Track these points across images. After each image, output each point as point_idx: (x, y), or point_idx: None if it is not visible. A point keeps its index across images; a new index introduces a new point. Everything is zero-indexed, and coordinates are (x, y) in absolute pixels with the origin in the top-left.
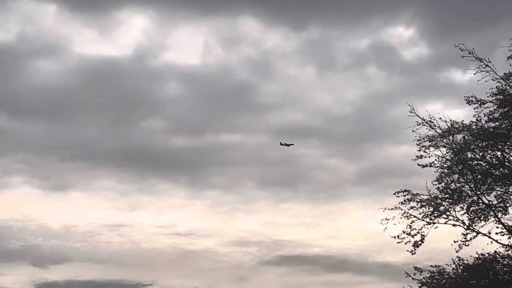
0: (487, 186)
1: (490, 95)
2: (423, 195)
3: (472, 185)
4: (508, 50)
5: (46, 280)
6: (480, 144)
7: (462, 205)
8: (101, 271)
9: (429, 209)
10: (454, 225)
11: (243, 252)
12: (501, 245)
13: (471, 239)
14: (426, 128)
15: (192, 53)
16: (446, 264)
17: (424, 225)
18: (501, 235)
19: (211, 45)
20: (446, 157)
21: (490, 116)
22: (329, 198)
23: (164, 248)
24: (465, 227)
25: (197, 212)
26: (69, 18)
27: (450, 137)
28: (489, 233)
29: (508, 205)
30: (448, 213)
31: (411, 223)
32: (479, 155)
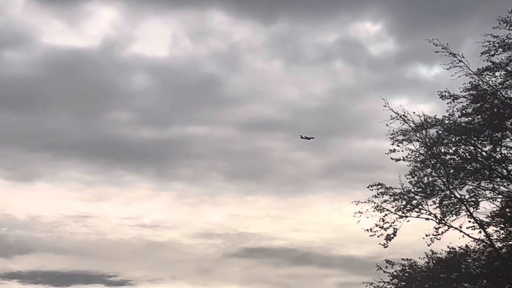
0: (459, 180)
1: (463, 90)
2: (396, 188)
3: (444, 180)
4: (482, 46)
5: (11, 270)
6: (453, 139)
7: (434, 199)
8: (65, 262)
9: (401, 202)
10: (426, 219)
11: (208, 244)
12: (472, 239)
13: (442, 232)
14: (400, 122)
15: (160, 46)
16: (419, 258)
17: (396, 218)
18: (472, 229)
19: (179, 38)
20: (419, 151)
21: (463, 111)
22: (295, 191)
23: (129, 239)
24: (437, 221)
25: (163, 204)
26: (37, 8)
27: (423, 132)
28: (461, 227)
29: (479, 199)
30: (420, 207)
31: (384, 217)
32: (452, 149)
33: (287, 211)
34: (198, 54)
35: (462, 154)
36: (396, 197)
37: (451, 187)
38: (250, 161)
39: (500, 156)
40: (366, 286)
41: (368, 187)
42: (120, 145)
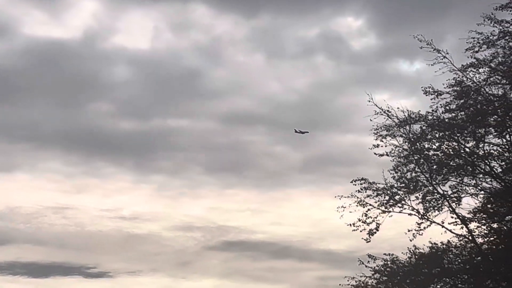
0: (442, 176)
1: (447, 86)
2: (379, 183)
3: (427, 175)
4: (466, 42)
5: None
6: (436, 135)
7: (417, 194)
8: (44, 253)
9: (384, 197)
10: (409, 214)
11: (188, 237)
12: (454, 235)
13: (425, 228)
14: (384, 118)
15: (141, 38)
16: (402, 253)
17: (379, 213)
18: (454, 225)
19: (161, 30)
20: (403, 147)
21: (447, 107)
22: (275, 185)
23: (109, 231)
24: (420, 216)
25: (142, 196)
26: None
27: (407, 127)
28: (443, 222)
29: (462, 195)
30: (403, 202)
31: (366, 211)
32: (435, 145)
33: (267, 205)
34: (180, 46)
35: (446, 150)
36: (379, 192)
37: (434, 182)
38: (231, 154)
39: (483, 152)
40: (348, 280)
41: (351, 181)
42: (100, 137)
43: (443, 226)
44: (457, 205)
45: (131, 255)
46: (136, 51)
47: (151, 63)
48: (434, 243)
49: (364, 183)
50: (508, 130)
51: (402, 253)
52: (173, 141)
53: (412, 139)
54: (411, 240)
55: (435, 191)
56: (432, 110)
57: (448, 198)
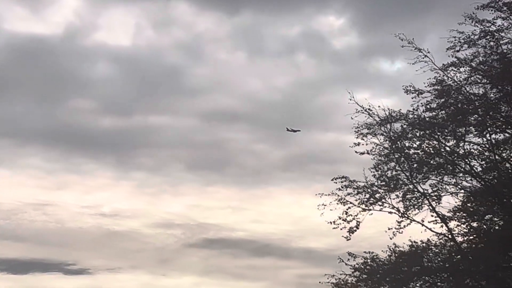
0: (422, 175)
1: (428, 85)
2: (359, 182)
3: (408, 174)
4: (447, 42)
5: None
6: (417, 133)
7: (397, 193)
8: (24, 250)
9: (365, 196)
10: (390, 212)
11: (168, 234)
12: (434, 233)
13: (405, 226)
14: (365, 116)
15: (123, 34)
16: (382, 251)
17: (359, 211)
18: (434, 223)
19: (142, 27)
20: (384, 145)
21: (428, 106)
22: (256, 183)
23: (89, 228)
24: (400, 214)
25: (123, 193)
26: None
27: (388, 126)
28: (423, 221)
29: (442, 194)
30: (383, 200)
31: (347, 209)
32: (416, 144)
33: (247, 203)
34: (161, 44)
35: (426, 148)
36: (359, 190)
37: (414, 181)
38: (212, 152)
39: (463, 151)
40: (328, 278)
41: (332, 179)
42: (81, 134)
43: (423, 225)
44: (437, 203)
45: (111, 252)
46: (118, 48)
47: (132, 60)
48: (414, 242)
49: (345, 181)
50: (489, 129)
51: (382, 251)
52: (154, 138)
53: (393, 138)
54: (391, 239)
55: (416, 190)
56: (413, 109)
57: (428, 197)
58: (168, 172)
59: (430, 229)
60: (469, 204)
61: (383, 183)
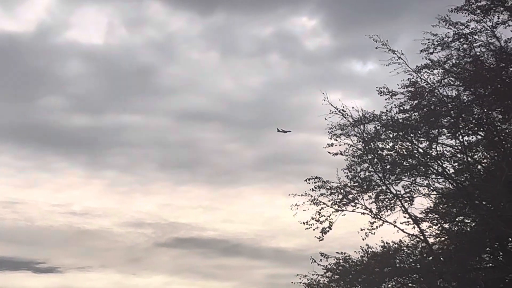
0: (395, 176)
1: (401, 86)
2: (333, 182)
3: (381, 175)
4: (421, 44)
5: None
6: (390, 135)
7: (370, 194)
8: None
9: (338, 196)
10: (362, 213)
11: (139, 233)
12: (406, 235)
13: (377, 227)
14: (338, 117)
15: (95, 33)
16: (354, 252)
17: (332, 212)
18: (406, 224)
19: (115, 26)
20: (357, 146)
21: (401, 108)
22: (228, 182)
23: (59, 226)
24: (373, 215)
25: (94, 192)
26: None
27: (361, 127)
28: (395, 222)
29: (414, 195)
30: (356, 201)
31: (320, 210)
32: (389, 145)
33: (219, 202)
34: (134, 42)
35: (399, 150)
36: (332, 191)
37: (387, 182)
38: (184, 151)
39: (436, 153)
40: (300, 279)
41: (305, 180)
42: (52, 132)
43: (395, 226)
44: (409, 205)
45: (81, 251)
46: (90, 46)
47: (104, 59)
48: (386, 243)
49: (318, 181)
50: (461, 131)
51: (354, 252)
52: (126, 137)
53: (366, 139)
54: (363, 239)
55: (388, 191)
56: (386, 110)
57: (400, 198)
58: (140, 171)
59: (402, 230)
60: (441, 206)
61: (356, 184)
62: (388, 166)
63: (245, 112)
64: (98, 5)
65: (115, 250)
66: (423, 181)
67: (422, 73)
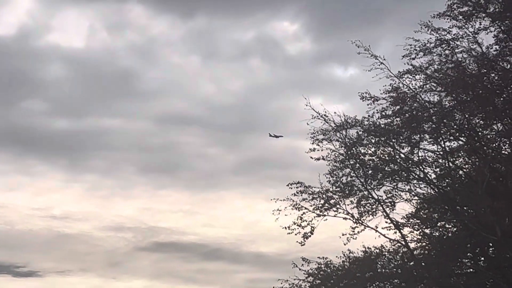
0: (377, 181)
1: (383, 92)
2: (315, 187)
3: (363, 180)
4: (403, 49)
5: None
6: (372, 140)
7: (352, 199)
8: None
9: (320, 201)
10: (344, 218)
11: (119, 237)
12: (387, 240)
13: (359, 232)
14: (321, 122)
15: (76, 36)
16: (336, 257)
17: (314, 217)
18: (388, 229)
19: (96, 29)
20: (339, 151)
21: (383, 113)
22: (208, 187)
23: (39, 230)
24: (354, 220)
25: (74, 196)
26: None
27: (343, 132)
28: (377, 227)
29: (396, 200)
30: (338, 206)
31: (302, 215)
32: (371, 150)
33: (199, 206)
34: (115, 46)
35: (381, 155)
36: (314, 195)
37: (369, 187)
38: (164, 155)
39: (417, 158)
40: (282, 283)
41: (287, 185)
42: (33, 135)
43: (377, 231)
44: (391, 210)
45: (61, 255)
46: (71, 49)
47: (86, 62)
48: (368, 248)
49: (300, 186)
50: (443, 137)
51: (336, 256)
52: (107, 141)
53: (348, 144)
54: (345, 244)
55: (370, 196)
56: (368, 116)
57: (382, 203)
58: (120, 175)
59: (383, 235)
60: (422, 211)
61: (338, 189)
62: (370, 171)
63: (226, 116)
64: (80, 8)
65: (95, 254)
66: (404, 186)
67: (404, 78)
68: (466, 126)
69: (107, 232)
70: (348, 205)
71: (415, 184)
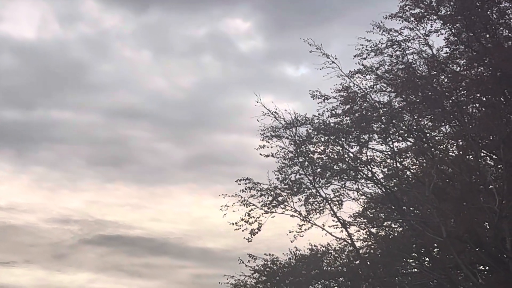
0: (325, 179)
1: (334, 91)
2: (263, 184)
3: (311, 178)
4: (355, 49)
5: None
6: (321, 138)
7: (300, 196)
8: None
9: (268, 198)
10: (292, 215)
11: (65, 230)
12: (334, 238)
13: (306, 230)
14: (271, 119)
15: (28, 27)
16: (283, 254)
17: (262, 213)
18: (335, 228)
19: (48, 21)
20: (288, 149)
21: (333, 112)
22: (156, 181)
23: None
24: (302, 218)
25: (21, 187)
26: None
27: (293, 129)
28: (324, 225)
29: (344, 199)
30: (286, 203)
31: (249, 211)
32: (320, 149)
33: (146, 201)
34: (67, 38)
35: (330, 154)
36: (263, 192)
37: (317, 185)
38: (113, 149)
39: (366, 158)
40: (227, 279)
41: (236, 181)
42: None
43: (323, 229)
44: (338, 208)
45: (5, 246)
46: (22, 40)
47: (36, 53)
48: (314, 245)
49: (249, 183)
50: (391, 137)
51: (283, 254)
52: (56, 133)
53: (298, 142)
54: (292, 242)
55: (318, 194)
56: (319, 114)
57: (330, 202)
58: (68, 167)
59: (330, 233)
60: (369, 211)
61: (286, 186)
62: (318, 170)
63: (176, 112)
64: None
65: (40, 246)
66: (352, 185)
67: (355, 78)
68: (414, 127)
69: (53, 224)
70: (296, 202)
71: (363, 183)
